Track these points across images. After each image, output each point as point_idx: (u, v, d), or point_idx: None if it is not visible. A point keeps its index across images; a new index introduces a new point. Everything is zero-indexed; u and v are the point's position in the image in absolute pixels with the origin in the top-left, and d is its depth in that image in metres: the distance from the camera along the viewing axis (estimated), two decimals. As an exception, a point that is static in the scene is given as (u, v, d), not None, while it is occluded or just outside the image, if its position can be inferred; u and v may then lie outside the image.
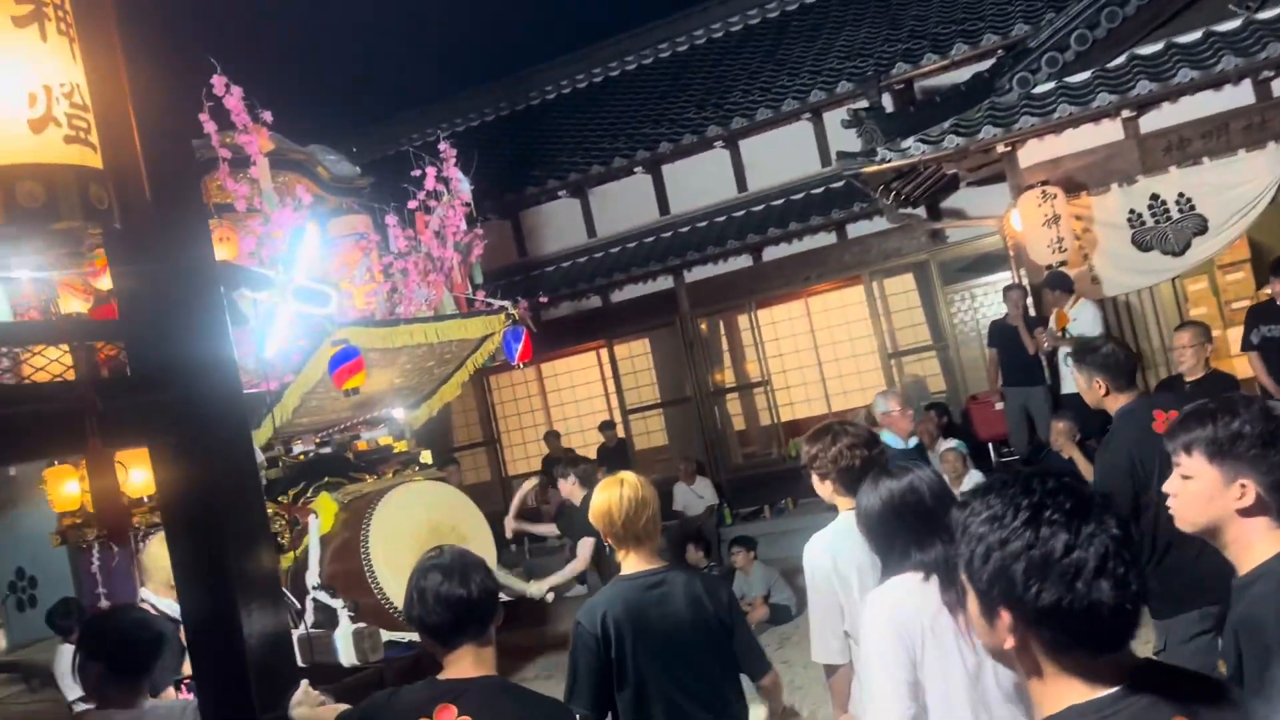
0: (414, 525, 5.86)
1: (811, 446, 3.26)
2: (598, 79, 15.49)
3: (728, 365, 12.88)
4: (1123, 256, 8.58)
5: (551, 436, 12.84)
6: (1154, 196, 8.41)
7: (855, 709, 3.08)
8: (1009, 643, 1.38)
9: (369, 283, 6.72)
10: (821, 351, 12.26)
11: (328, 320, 5.61)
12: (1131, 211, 8.49)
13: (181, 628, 2.57)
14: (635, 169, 12.67)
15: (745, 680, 3.16)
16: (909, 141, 8.44)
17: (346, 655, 5.42)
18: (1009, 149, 8.76)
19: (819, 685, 5.73)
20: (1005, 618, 1.37)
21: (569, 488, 6.39)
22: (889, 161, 8.48)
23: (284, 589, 5.70)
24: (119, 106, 2.31)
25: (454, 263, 6.93)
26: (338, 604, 5.61)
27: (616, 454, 11.91)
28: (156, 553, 3.72)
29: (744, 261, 12.04)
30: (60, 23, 2.07)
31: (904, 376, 11.70)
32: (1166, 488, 2.09)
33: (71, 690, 5.46)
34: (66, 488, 6.22)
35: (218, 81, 5.72)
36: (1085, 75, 8.36)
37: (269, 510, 5.88)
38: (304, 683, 2.51)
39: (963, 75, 10.28)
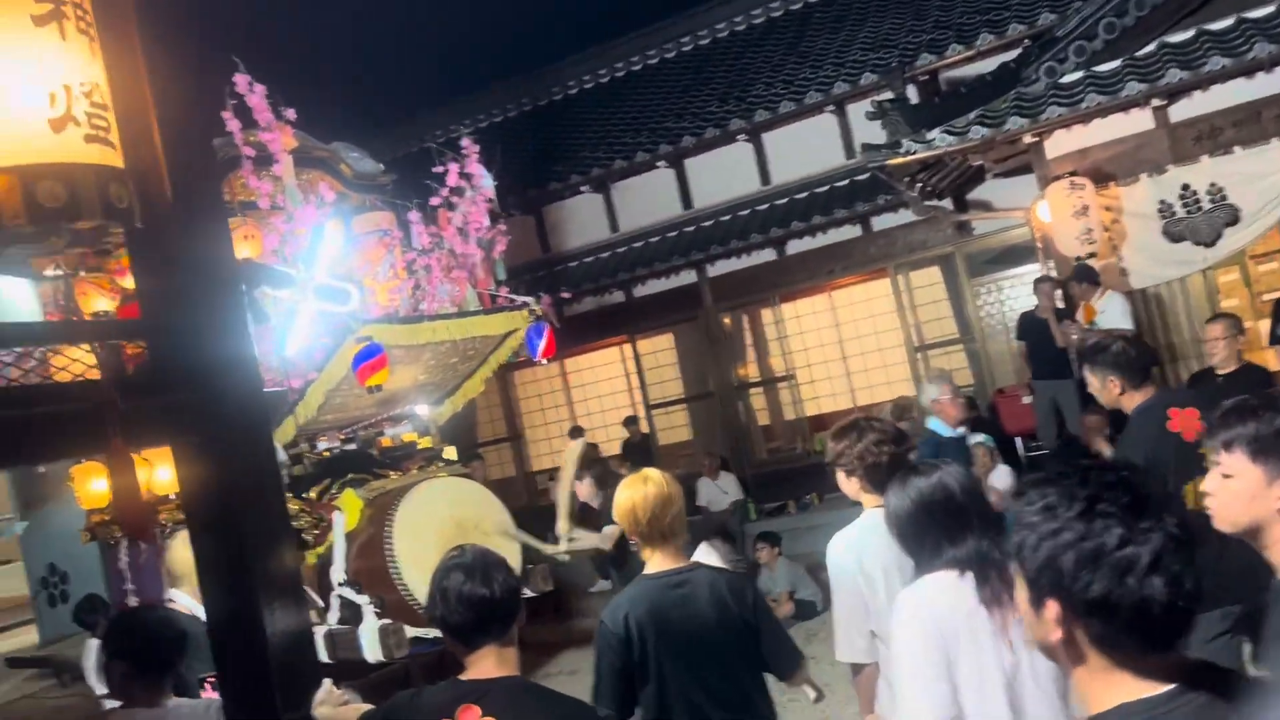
0: (438, 521, 5.87)
1: (837, 442, 3.22)
2: (620, 73, 15.45)
3: (751, 360, 12.83)
4: (1153, 248, 8.46)
5: (576, 432, 12.83)
6: (1185, 187, 8.29)
7: (882, 709, 3.04)
8: (1055, 634, 1.35)
9: (392, 279, 6.73)
10: (846, 345, 12.19)
11: (351, 317, 5.62)
12: (1162, 202, 8.37)
13: (207, 627, 2.57)
14: (658, 163, 12.64)
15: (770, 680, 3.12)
16: (934, 133, 8.35)
17: (372, 651, 5.43)
18: (1036, 140, 8.66)
19: (844, 682, 5.67)
20: (1052, 608, 1.34)
21: (585, 490, 6.37)
22: (914, 154, 8.40)
23: (309, 585, 5.75)
24: (139, 105, 2.30)
25: (477, 259, 6.93)
26: (363, 600, 5.63)
27: (640, 449, 11.89)
28: (183, 556, 3.73)
29: (768, 255, 11.98)
30: (80, 21, 2.06)
31: (930, 370, 11.61)
32: (1204, 486, 2.03)
33: (100, 685, 5.51)
34: (95, 485, 6.27)
35: (241, 80, 5.74)
36: (1114, 64, 8.24)
37: (294, 507, 5.91)
38: (327, 682, 2.50)
39: (988, 65, 10.19)
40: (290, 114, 6.03)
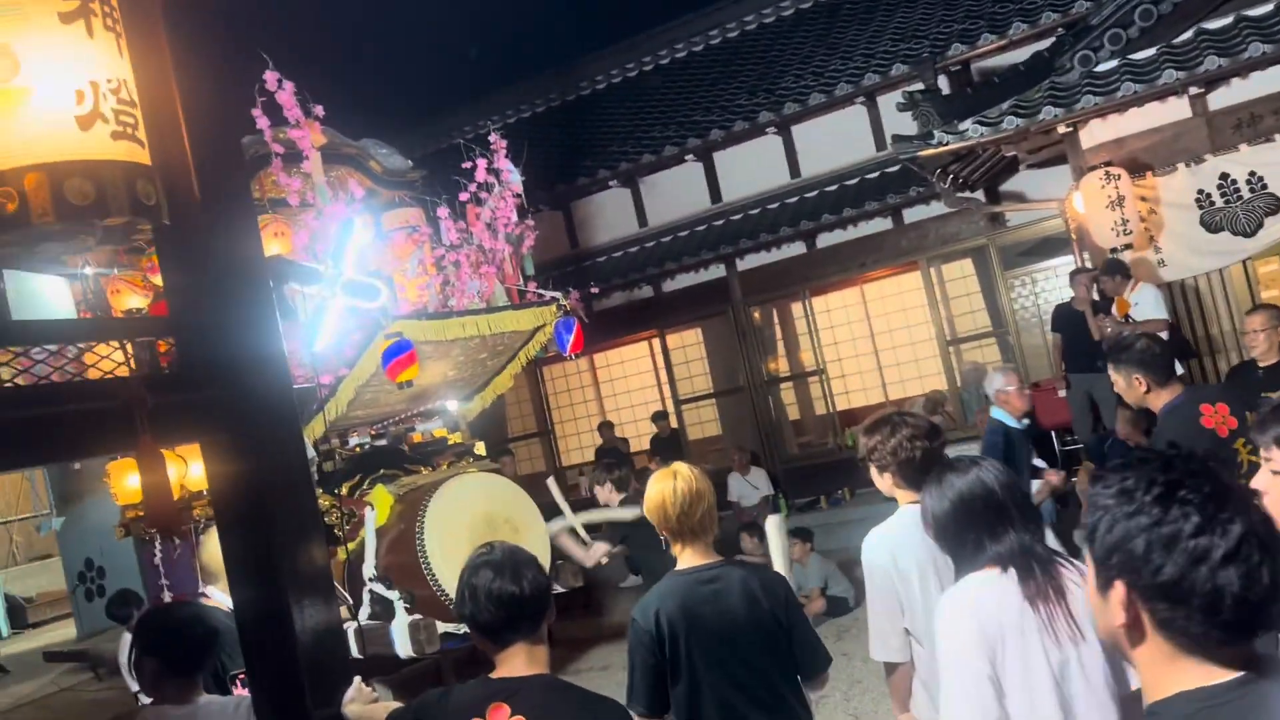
0: (469, 517, 5.86)
1: (870, 438, 3.18)
2: (648, 67, 15.41)
3: (781, 354, 12.77)
4: (1191, 238, 8.32)
5: (605, 427, 12.83)
6: (1223, 176, 8.14)
7: (916, 710, 2.99)
8: (1120, 618, 1.32)
9: (421, 275, 6.73)
10: (878, 339, 12.10)
11: (381, 313, 5.63)
12: (1200, 192, 8.22)
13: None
14: (686, 157, 12.59)
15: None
16: (967, 124, 8.26)
17: (403, 647, 5.43)
18: (1070, 130, 8.53)
19: (878, 679, 5.64)
20: (1120, 590, 1.32)
21: (605, 494, 6.35)
22: (946, 145, 8.31)
23: (340, 581, 5.77)
24: (166, 102, 2.30)
25: (506, 254, 6.92)
26: (394, 596, 5.63)
27: (670, 444, 11.88)
28: (216, 552, 3.74)
29: (797, 249, 11.91)
30: (107, 18, 2.06)
31: (963, 364, 11.51)
32: (1255, 484, 1.97)
33: (132, 680, 5.56)
34: (129, 481, 6.32)
35: (270, 77, 5.75)
36: (1150, 52, 8.09)
37: (325, 503, 5.93)
38: (357, 680, 2.49)
39: (1021, 55, 10.05)
40: (319, 111, 6.04)
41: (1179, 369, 7.41)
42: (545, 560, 5.83)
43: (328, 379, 5.77)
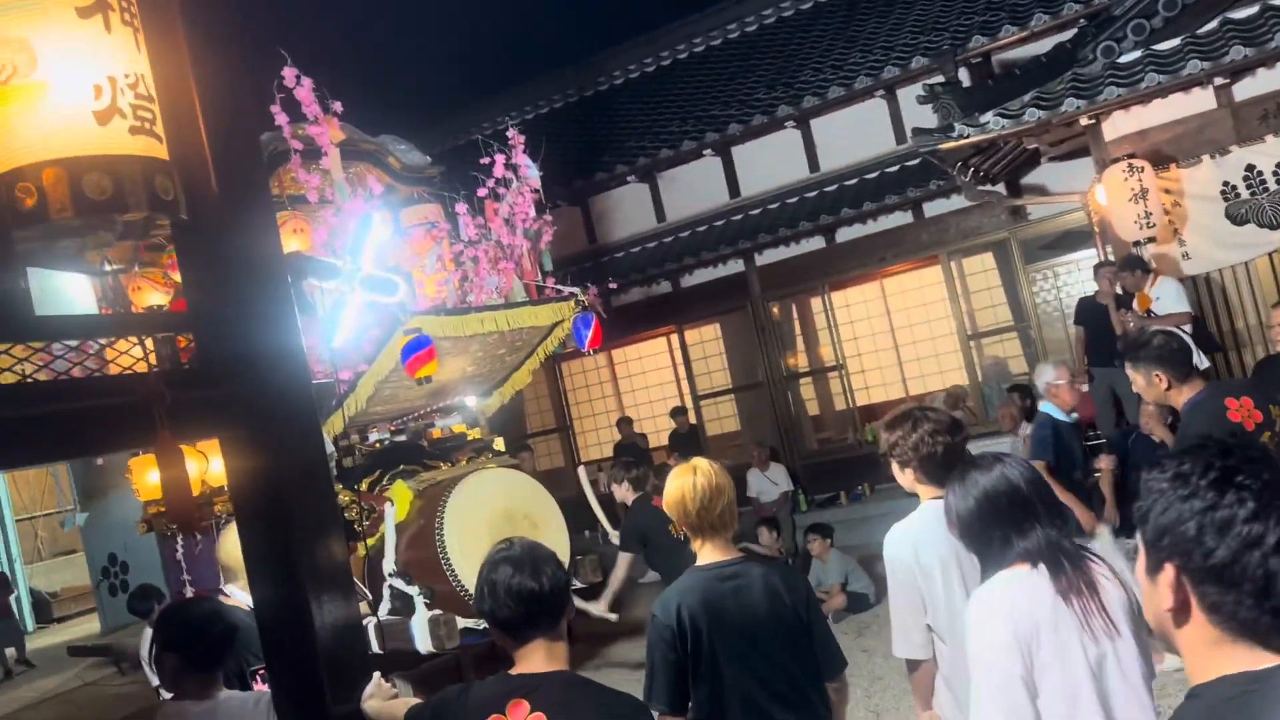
0: (488, 512, 5.87)
1: (891, 433, 3.15)
2: (665, 62, 15.37)
3: (801, 349, 12.72)
4: (1215, 231, 8.22)
5: (624, 423, 12.82)
6: (1249, 167, 8.04)
7: (939, 707, 2.97)
8: (1169, 601, 1.31)
9: (440, 271, 6.74)
10: (898, 334, 12.03)
11: (400, 309, 5.63)
12: (1225, 184, 8.13)
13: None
14: (704, 152, 12.55)
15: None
16: (988, 116, 8.18)
17: (423, 642, 5.44)
18: (1093, 121, 8.45)
19: (899, 675, 5.60)
20: (1169, 572, 1.31)
21: (622, 492, 6.33)
22: (967, 137, 8.24)
23: (360, 577, 5.78)
24: (184, 97, 2.30)
25: (524, 250, 6.92)
26: (413, 591, 5.64)
27: (688, 440, 11.85)
28: (236, 551, 3.74)
29: (816, 243, 11.86)
30: (124, 13, 2.06)
31: (984, 358, 11.43)
32: None
33: (153, 675, 5.59)
34: (151, 477, 6.34)
35: (288, 73, 5.76)
36: (1174, 42, 7.99)
37: (345, 498, 5.95)
38: (376, 675, 2.49)
39: (1043, 46, 9.96)
40: (338, 107, 6.05)
41: (1205, 362, 7.33)
42: (565, 556, 5.83)
43: (347, 375, 5.78)
